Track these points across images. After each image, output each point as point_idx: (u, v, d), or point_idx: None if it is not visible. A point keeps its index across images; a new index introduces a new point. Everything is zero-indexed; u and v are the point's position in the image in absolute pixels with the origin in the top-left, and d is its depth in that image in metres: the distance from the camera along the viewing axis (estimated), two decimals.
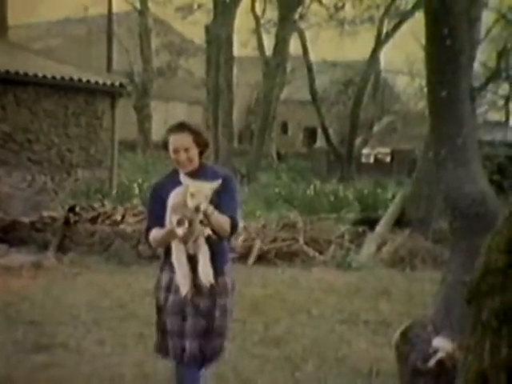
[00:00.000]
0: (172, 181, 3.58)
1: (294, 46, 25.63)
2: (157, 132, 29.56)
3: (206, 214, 3.41)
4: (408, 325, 3.91)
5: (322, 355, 5.77)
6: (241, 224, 10.34)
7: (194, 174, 3.56)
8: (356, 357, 5.75)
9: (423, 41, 5.05)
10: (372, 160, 29.64)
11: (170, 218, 3.46)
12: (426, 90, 5.25)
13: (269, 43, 25.08)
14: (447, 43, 4.59)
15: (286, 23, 23.17)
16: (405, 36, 24.46)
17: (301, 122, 34.64)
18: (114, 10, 27.37)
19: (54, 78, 12.82)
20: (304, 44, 24.83)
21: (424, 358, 3.61)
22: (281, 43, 23.88)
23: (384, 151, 29.53)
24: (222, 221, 3.53)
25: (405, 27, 23.96)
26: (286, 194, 14.36)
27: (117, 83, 13.76)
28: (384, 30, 24.51)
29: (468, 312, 2.28)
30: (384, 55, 28.82)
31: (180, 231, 3.37)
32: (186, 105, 33.88)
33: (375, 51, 24.70)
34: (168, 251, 3.64)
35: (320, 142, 30.60)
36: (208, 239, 3.52)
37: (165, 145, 3.67)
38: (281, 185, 17.98)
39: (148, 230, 3.71)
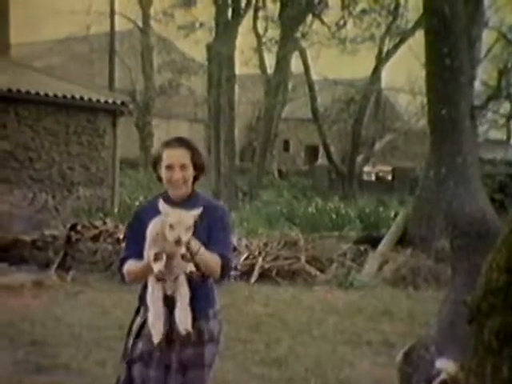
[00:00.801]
0: (154, 207, 3.00)
1: (295, 64, 25.76)
2: None
3: (189, 248, 2.91)
4: (411, 345, 3.88)
5: (324, 376, 5.72)
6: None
7: (182, 203, 3.08)
8: (359, 378, 5.71)
9: (424, 59, 5.08)
10: (373, 178, 29.66)
11: (148, 251, 2.99)
12: (427, 108, 5.27)
13: (270, 61, 25.23)
14: (447, 62, 4.61)
15: (288, 41, 23.29)
16: (406, 54, 24.56)
17: (302, 139, 34.71)
18: (117, 28, 27.57)
19: (55, 96, 12.87)
20: (305, 62, 24.94)
21: (427, 379, 3.58)
22: (282, 61, 23.99)
23: (385, 169, 29.55)
24: (211, 260, 3.01)
25: (406, 46, 24.09)
26: (287, 212, 14.35)
27: (118, 101, 13.81)
28: (385, 49, 24.63)
29: (470, 332, 2.26)
30: (385, 73, 28.96)
31: (156, 267, 2.89)
32: (188, 123, 33.97)
33: (376, 69, 24.81)
34: (145, 289, 3.12)
35: (321, 160, 30.64)
36: (190, 277, 2.98)
37: (155, 161, 3.18)
38: (282, 202, 17.97)
39: (123, 260, 3.22)
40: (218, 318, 3.21)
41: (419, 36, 20.42)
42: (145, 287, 3.13)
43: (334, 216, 12.93)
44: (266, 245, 10.31)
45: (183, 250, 2.89)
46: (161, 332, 2.97)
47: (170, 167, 3.10)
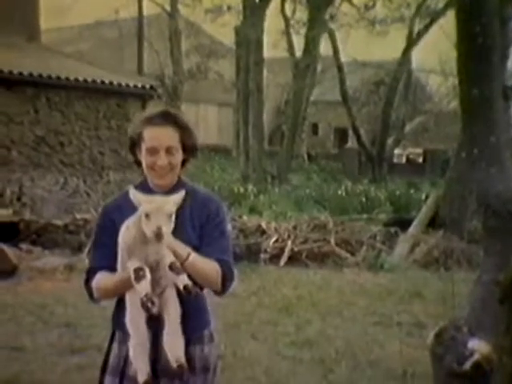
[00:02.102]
0: (130, 202, 2.30)
1: (324, 46, 25.53)
2: None
3: (177, 255, 2.27)
4: (442, 326, 3.85)
5: (354, 357, 5.71)
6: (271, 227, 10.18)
7: (164, 195, 2.38)
8: (389, 359, 5.67)
9: (455, 39, 4.99)
10: (404, 160, 29.36)
11: (123, 261, 2.33)
12: (458, 88, 5.19)
13: (299, 44, 25.04)
14: (479, 41, 4.51)
15: (316, 23, 23.07)
16: (437, 35, 24.22)
17: (331, 122, 34.47)
18: (145, 12, 27.61)
19: (85, 81, 12.95)
20: (334, 44, 24.71)
21: (459, 360, 3.55)
22: (311, 44, 23.78)
23: (416, 151, 29.24)
24: (207, 267, 2.36)
25: (437, 26, 23.72)
26: (316, 195, 14.30)
27: (147, 86, 13.85)
28: (415, 30, 24.27)
29: (502, 312, 2.23)
30: (416, 54, 28.59)
31: (142, 289, 2.20)
32: (217, 107, 33.97)
33: (406, 50, 24.47)
34: (121, 306, 2.42)
35: (351, 143, 30.43)
36: (180, 291, 2.25)
37: (132, 142, 2.45)
38: (312, 186, 17.92)
39: (91, 272, 2.48)
40: (215, 342, 2.52)
41: (450, 16, 20.07)
42: (120, 304, 2.45)
43: (363, 199, 12.85)
44: (295, 228, 10.29)
45: (170, 257, 2.23)
46: (147, 367, 2.27)
47: (152, 150, 2.37)
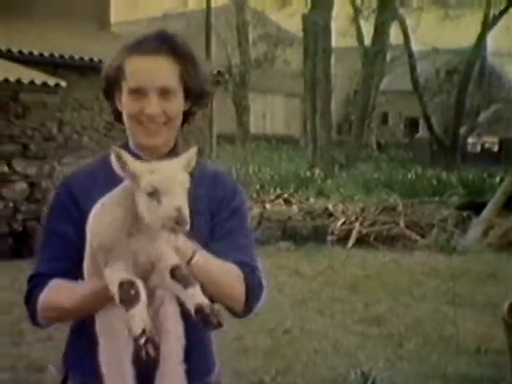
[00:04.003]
0: (100, 176, 1.59)
1: (394, 35, 25.04)
2: (256, 125, 29.75)
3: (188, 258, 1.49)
4: None
5: (425, 334, 5.59)
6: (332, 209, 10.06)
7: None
8: (462, 336, 5.50)
9: None
10: (478, 149, 28.48)
11: (94, 264, 1.46)
12: None
13: (368, 32, 24.63)
14: None
15: (386, 9, 22.64)
16: None
17: (402, 112, 33.82)
18: (212, 4, 27.75)
19: None
20: (405, 31, 24.16)
21: None
22: (380, 31, 23.33)
23: (491, 140, 28.32)
24: (223, 272, 1.56)
25: None
26: (385, 179, 14.00)
27: (214, 71, 13.88)
28: (491, 14, 23.42)
29: None
30: (491, 40, 27.68)
31: (135, 320, 1.34)
32: (284, 97, 33.88)
33: (482, 36, 23.62)
34: (82, 335, 1.58)
35: (422, 132, 29.76)
36: (187, 313, 1.40)
37: (108, 80, 1.62)
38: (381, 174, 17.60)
39: (36, 281, 1.61)
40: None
41: None
42: (79, 331, 1.61)
43: (434, 182, 12.48)
44: (363, 210, 10.10)
45: (172, 257, 1.42)
46: None
47: (138, 92, 1.56)
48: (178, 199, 1.31)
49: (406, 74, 24.96)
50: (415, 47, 24.93)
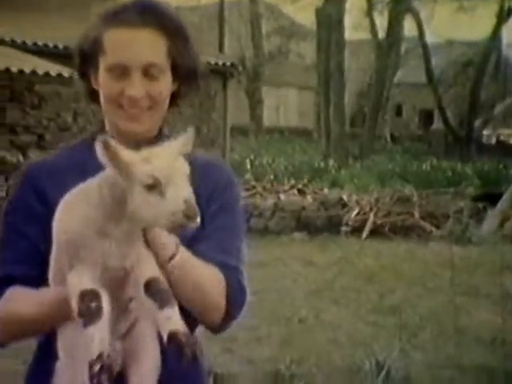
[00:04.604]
0: (72, 167, 1.37)
1: (407, 27, 24.90)
2: (269, 118, 29.71)
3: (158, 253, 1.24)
4: None
5: (440, 324, 5.58)
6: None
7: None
8: (477, 327, 5.52)
9: None
10: (494, 141, 28.27)
11: (61, 268, 1.21)
12: None
13: (381, 25, 24.51)
14: None
15: (400, 2, 22.51)
16: None
17: (416, 104, 33.65)
18: None
19: None
20: (419, 24, 24.02)
21: None
22: (394, 23, 23.22)
23: (507, 132, 28.12)
24: (205, 276, 1.32)
25: None
26: (400, 170, 13.94)
27: (228, 63, 13.87)
28: (506, 5, 23.21)
29: None
30: (506, 32, 27.44)
31: (92, 341, 1.12)
32: (297, 90, 33.79)
33: (496, 28, 23.43)
34: (48, 351, 1.32)
35: (437, 124, 29.60)
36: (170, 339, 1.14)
37: (83, 56, 1.38)
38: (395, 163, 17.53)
39: None
40: None
41: None
42: (45, 350, 1.35)
43: (449, 173, 12.41)
44: (377, 201, 10.06)
45: (151, 265, 1.20)
46: None
47: (118, 70, 1.33)
48: (183, 190, 1.12)
49: (420, 66, 24.83)
50: (429, 39, 24.84)
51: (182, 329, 1.13)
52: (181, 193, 1.11)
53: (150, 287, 1.16)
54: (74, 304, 1.14)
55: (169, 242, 1.25)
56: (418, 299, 6.39)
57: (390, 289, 6.69)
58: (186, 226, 1.12)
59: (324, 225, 9.14)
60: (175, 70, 1.37)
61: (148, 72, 1.33)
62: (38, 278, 1.29)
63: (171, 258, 1.24)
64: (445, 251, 8.63)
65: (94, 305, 1.13)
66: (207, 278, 1.32)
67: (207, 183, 1.39)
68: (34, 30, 10.59)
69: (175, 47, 1.36)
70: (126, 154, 1.13)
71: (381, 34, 24.30)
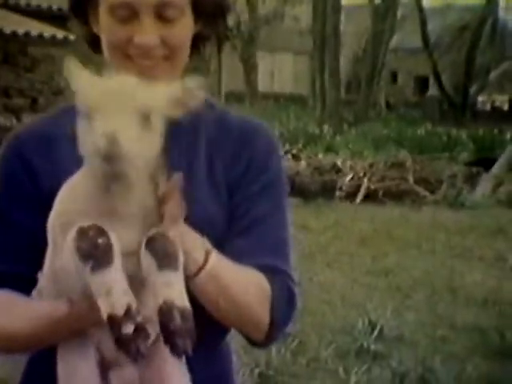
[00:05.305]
0: (66, 135, 0.98)
1: None
2: (263, 83, 29.50)
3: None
4: None
5: (433, 286, 5.64)
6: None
7: None
8: (470, 287, 5.57)
9: None
10: (488, 107, 28.24)
11: (49, 263, 0.97)
12: None
13: None
14: None
15: None
16: None
17: (411, 70, 33.45)
18: None
19: None
20: None
21: None
22: None
23: (502, 98, 28.06)
24: (245, 284, 1.02)
25: None
26: (394, 135, 13.93)
27: None
28: None
29: None
30: None
31: (112, 297, 0.83)
32: (292, 55, 33.51)
33: None
34: (44, 362, 1.03)
35: (432, 91, 29.49)
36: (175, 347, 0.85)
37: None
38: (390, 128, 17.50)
39: None
40: None
41: None
42: (41, 361, 1.07)
43: (444, 138, 12.41)
44: (371, 166, 10.08)
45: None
46: None
47: (124, 9, 1.02)
48: (114, 122, 0.82)
49: (416, 31, 24.63)
50: (426, 3, 24.61)
51: (180, 303, 0.84)
52: (108, 126, 0.82)
53: (152, 242, 0.87)
54: (72, 244, 0.86)
55: (194, 247, 0.94)
56: (412, 262, 6.43)
57: (383, 252, 6.73)
58: (112, 178, 0.83)
59: (318, 190, 9.15)
60: (196, 6, 1.06)
61: (162, 12, 1.02)
62: (28, 275, 1.01)
63: (198, 271, 0.95)
64: (438, 215, 8.71)
65: (101, 241, 0.84)
66: (247, 291, 1.01)
67: (243, 154, 1.09)
68: None
69: None
70: (84, 75, 0.91)
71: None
